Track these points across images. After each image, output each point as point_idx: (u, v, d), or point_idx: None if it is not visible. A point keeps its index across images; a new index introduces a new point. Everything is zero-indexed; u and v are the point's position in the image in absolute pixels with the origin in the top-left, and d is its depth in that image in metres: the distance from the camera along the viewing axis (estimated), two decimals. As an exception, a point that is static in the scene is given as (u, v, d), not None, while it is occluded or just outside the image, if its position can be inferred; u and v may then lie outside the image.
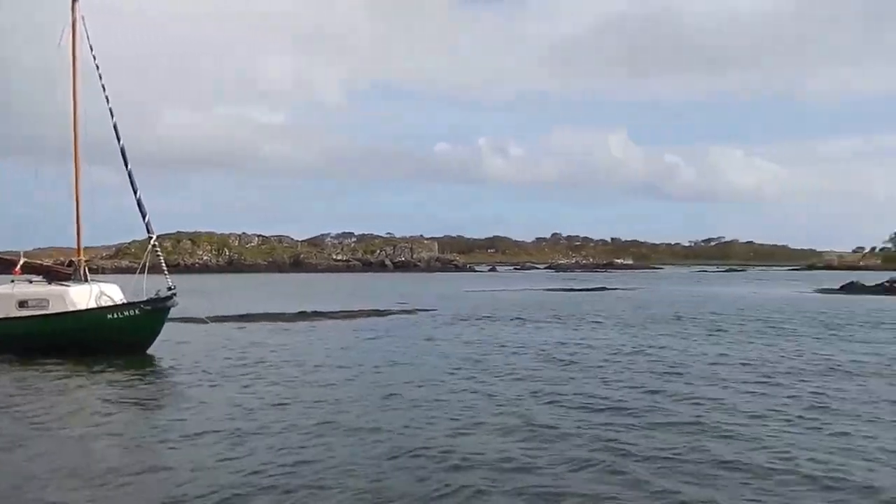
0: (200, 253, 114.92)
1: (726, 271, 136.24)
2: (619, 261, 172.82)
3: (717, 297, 47.97)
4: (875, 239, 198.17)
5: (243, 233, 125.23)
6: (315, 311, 30.87)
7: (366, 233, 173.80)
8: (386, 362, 17.59)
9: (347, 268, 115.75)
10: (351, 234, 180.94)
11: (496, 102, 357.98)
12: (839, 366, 17.24)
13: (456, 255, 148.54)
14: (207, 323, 25.09)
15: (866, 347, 21.04)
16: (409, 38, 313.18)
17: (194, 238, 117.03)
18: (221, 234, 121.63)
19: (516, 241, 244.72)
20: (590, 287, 60.46)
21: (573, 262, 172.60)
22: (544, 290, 57.83)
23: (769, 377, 15.55)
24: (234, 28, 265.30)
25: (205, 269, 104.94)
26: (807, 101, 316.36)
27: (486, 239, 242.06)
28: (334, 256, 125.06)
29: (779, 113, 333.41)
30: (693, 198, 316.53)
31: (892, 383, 14.94)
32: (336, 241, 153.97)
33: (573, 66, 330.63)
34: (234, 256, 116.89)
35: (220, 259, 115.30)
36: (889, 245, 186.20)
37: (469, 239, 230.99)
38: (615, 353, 19.27)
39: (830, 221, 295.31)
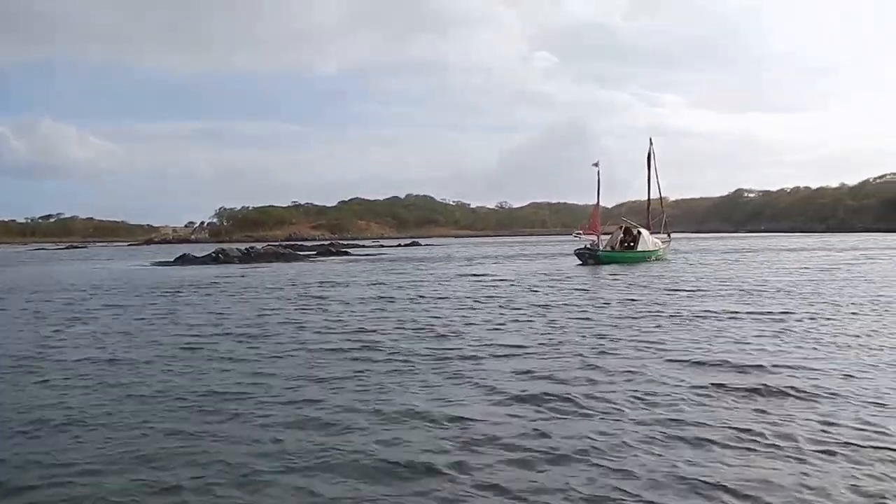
0: None
1: (67, 248, 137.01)
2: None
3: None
4: (204, 214, 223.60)
5: None
6: None
7: None
8: None
9: None
10: None
11: None
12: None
13: None
14: None
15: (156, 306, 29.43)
16: None
17: None
18: None
19: None
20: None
21: None
22: None
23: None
24: None
25: None
26: (138, 83, 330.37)
27: None
28: None
29: (112, 91, 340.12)
30: (26, 173, 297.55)
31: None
32: None
33: None
34: None
35: None
36: (215, 220, 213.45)
37: None
38: None
39: (166, 198, 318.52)
